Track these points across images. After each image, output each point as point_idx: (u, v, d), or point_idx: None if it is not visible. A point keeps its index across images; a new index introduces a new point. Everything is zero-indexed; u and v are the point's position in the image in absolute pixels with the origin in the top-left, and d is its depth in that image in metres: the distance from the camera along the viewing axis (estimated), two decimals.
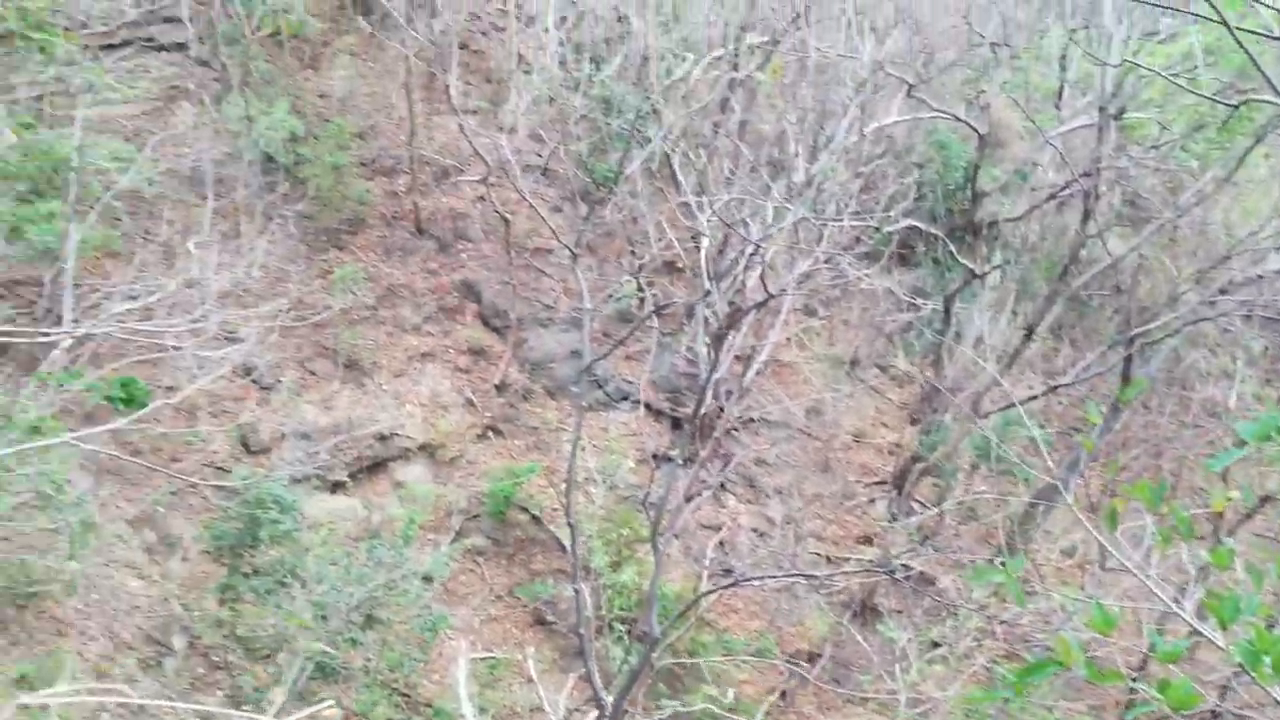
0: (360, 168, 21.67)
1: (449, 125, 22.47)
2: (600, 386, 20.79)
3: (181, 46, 20.74)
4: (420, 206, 21.70)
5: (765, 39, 20.39)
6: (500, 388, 20.47)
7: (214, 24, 20.02)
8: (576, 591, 15.34)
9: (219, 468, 16.53)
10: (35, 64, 14.48)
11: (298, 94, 21.23)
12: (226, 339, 15.40)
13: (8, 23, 12.89)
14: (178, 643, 14.72)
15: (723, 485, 20.34)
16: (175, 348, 9.44)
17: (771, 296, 15.42)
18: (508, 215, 20.98)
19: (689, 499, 17.88)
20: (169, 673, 14.18)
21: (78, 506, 12.10)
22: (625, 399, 21.10)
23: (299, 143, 20.35)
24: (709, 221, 15.74)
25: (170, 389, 15.63)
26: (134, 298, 12.93)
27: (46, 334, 11.39)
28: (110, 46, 18.70)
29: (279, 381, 18.25)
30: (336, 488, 17.89)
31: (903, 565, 17.64)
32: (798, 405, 21.90)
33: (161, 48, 20.44)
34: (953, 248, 20.68)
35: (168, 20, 20.82)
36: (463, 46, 23.62)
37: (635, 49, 22.30)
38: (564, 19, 23.43)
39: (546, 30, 22.98)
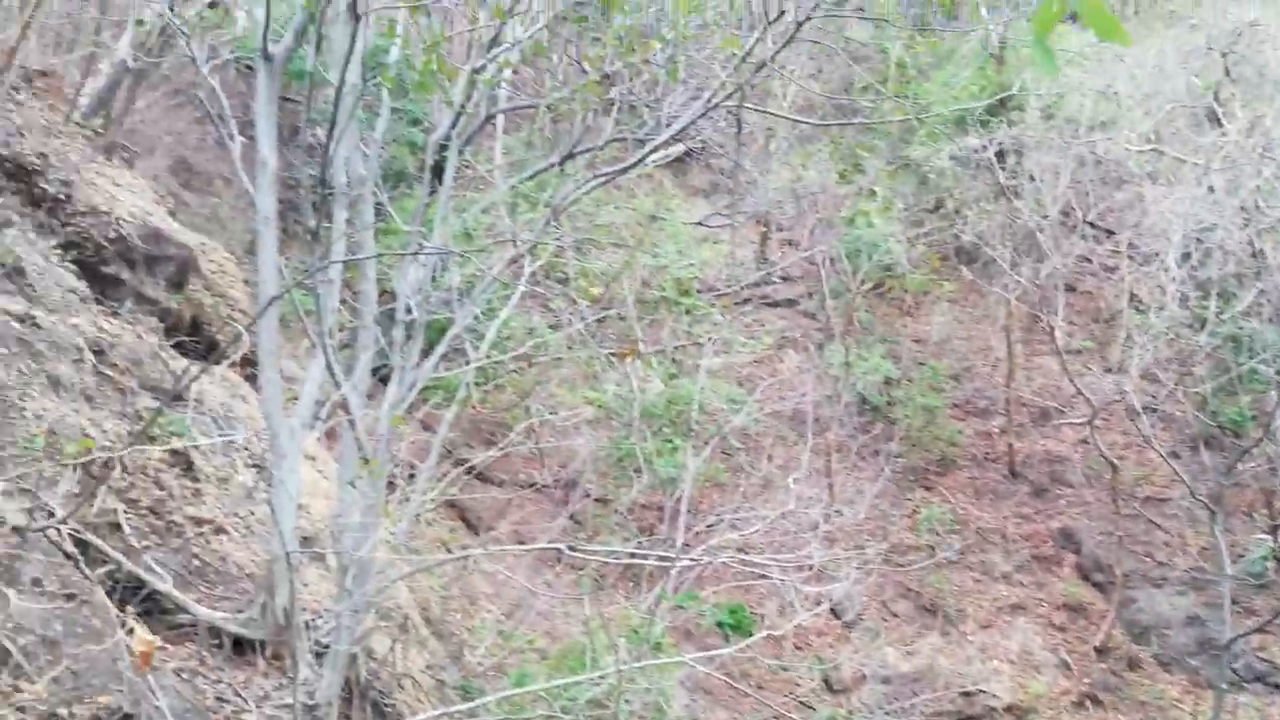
0: (953, 409, 22.58)
1: (1049, 366, 22.60)
2: (1229, 663, 18.48)
3: (792, 302, 23.96)
4: (1015, 449, 21.84)
5: None
6: (1101, 651, 19.22)
7: (823, 281, 22.83)
8: None
9: (801, 701, 17.54)
10: (679, 323, 17.86)
11: (894, 340, 23.07)
12: (820, 574, 16.72)
13: (665, 292, 16.27)
14: None
15: None
16: (780, 580, 10.67)
17: None
18: (1114, 460, 20.22)
19: None
20: None
21: None
22: (1259, 680, 18.52)
23: (893, 385, 21.93)
24: None
25: (760, 615, 17.26)
26: (737, 528, 14.79)
27: (666, 558, 13.48)
28: (733, 304, 22.24)
29: (860, 619, 19.09)
30: None
31: None
32: None
33: (775, 304, 23.84)
34: None
35: (783, 280, 24.27)
36: (1069, 288, 23.93)
37: (1273, 284, 20.88)
38: (1187, 255, 22.77)
39: (1167, 269, 22.47)
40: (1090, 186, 23.36)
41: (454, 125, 9.22)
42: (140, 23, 11.09)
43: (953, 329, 23.86)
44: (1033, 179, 22.39)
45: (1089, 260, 25.04)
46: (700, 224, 15.85)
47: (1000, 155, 22.17)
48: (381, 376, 10.49)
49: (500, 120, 17.30)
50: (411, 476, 12.83)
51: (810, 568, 10.86)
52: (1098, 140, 21.87)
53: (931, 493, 21.70)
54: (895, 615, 19.58)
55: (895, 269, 22.20)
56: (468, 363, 11.21)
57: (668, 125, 9.11)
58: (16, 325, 7.66)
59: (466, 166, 12.61)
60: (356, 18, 6.79)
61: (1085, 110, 21.06)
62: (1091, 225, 24.12)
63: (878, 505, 20.82)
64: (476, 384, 13.52)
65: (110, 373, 8.60)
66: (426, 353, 9.33)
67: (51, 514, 6.79)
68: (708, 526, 16.94)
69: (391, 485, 11.19)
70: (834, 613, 18.94)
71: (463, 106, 9.49)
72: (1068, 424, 22.14)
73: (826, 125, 9.83)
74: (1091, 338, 23.84)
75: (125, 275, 9.74)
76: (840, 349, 21.59)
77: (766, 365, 22.65)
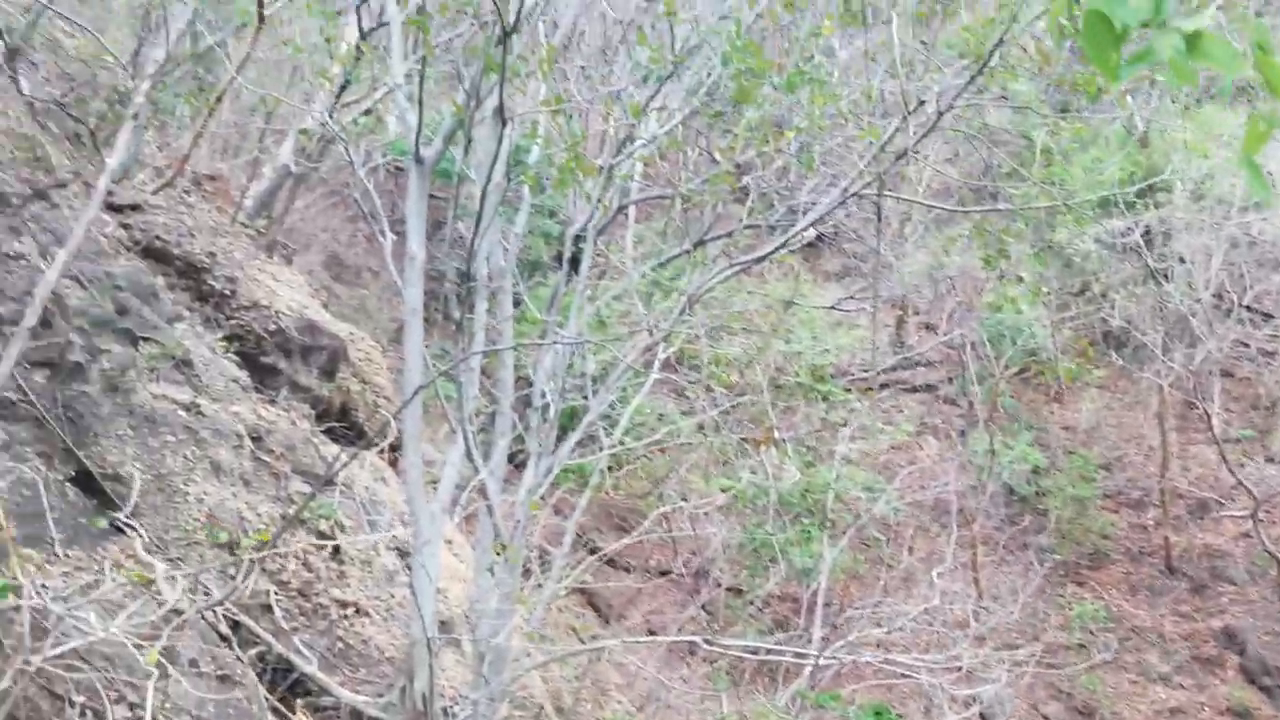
0: (1104, 500, 21.69)
1: (1206, 455, 21.54)
2: None
3: (931, 388, 23.47)
4: (1171, 542, 20.80)
5: None
6: None
7: (964, 366, 22.34)
8: None
9: None
10: (814, 408, 17.69)
11: (1041, 427, 22.33)
12: (969, 675, 16.02)
13: (800, 378, 16.19)
14: None
15: None
16: (928, 681, 10.25)
17: None
18: None
19: None
20: None
21: None
22: None
23: (1040, 475, 21.15)
24: None
25: (902, 717, 16.57)
26: (879, 624, 14.35)
27: (802, 654, 13.17)
28: (869, 390, 21.90)
29: None
30: None
31: None
32: None
33: (914, 389, 23.39)
34: None
35: (920, 365, 23.85)
36: (1225, 374, 22.89)
37: None
38: None
39: None
40: (1245, 269, 22.40)
41: (590, 218, 9.50)
42: (304, 132, 11.86)
43: (1103, 416, 22.99)
44: (1183, 261, 21.61)
45: (1246, 345, 23.90)
46: (834, 308, 15.77)
47: (1148, 237, 21.51)
48: (517, 463, 10.69)
49: (632, 209, 17.72)
50: (543, 561, 12.93)
51: (959, 668, 10.39)
52: (1251, 221, 21.03)
53: (1084, 588, 20.73)
54: (1046, 718, 18.58)
55: (1040, 354, 21.60)
56: (601, 449, 11.33)
57: (804, 213, 9.17)
58: (183, 414, 8.13)
59: (599, 255, 12.92)
60: (503, 122, 7.10)
61: (1237, 191, 20.29)
62: (1248, 309, 23.08)
63: (1028, 602, 19.99)
64: (608, 469, 13.62)
65: (266, 458, 9.00)
66: (560, 438, 9.49)
67: (209, 595, 7.09)
68: (846, 620, 16.48)
69: (525, 572, 11.29)
70: (982, 716, 18.08)
71: (599, 200, 9.76)
72: (1228, 516, 20.96)
73: (968, 212, 9.72)
74: (1251, 425, 22.61)
75: (282, 365, 10.25)
76: (984, 436, 20.98)
77: (905, 452, 22.16)
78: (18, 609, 5.25)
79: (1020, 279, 18.68)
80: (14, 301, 6.65)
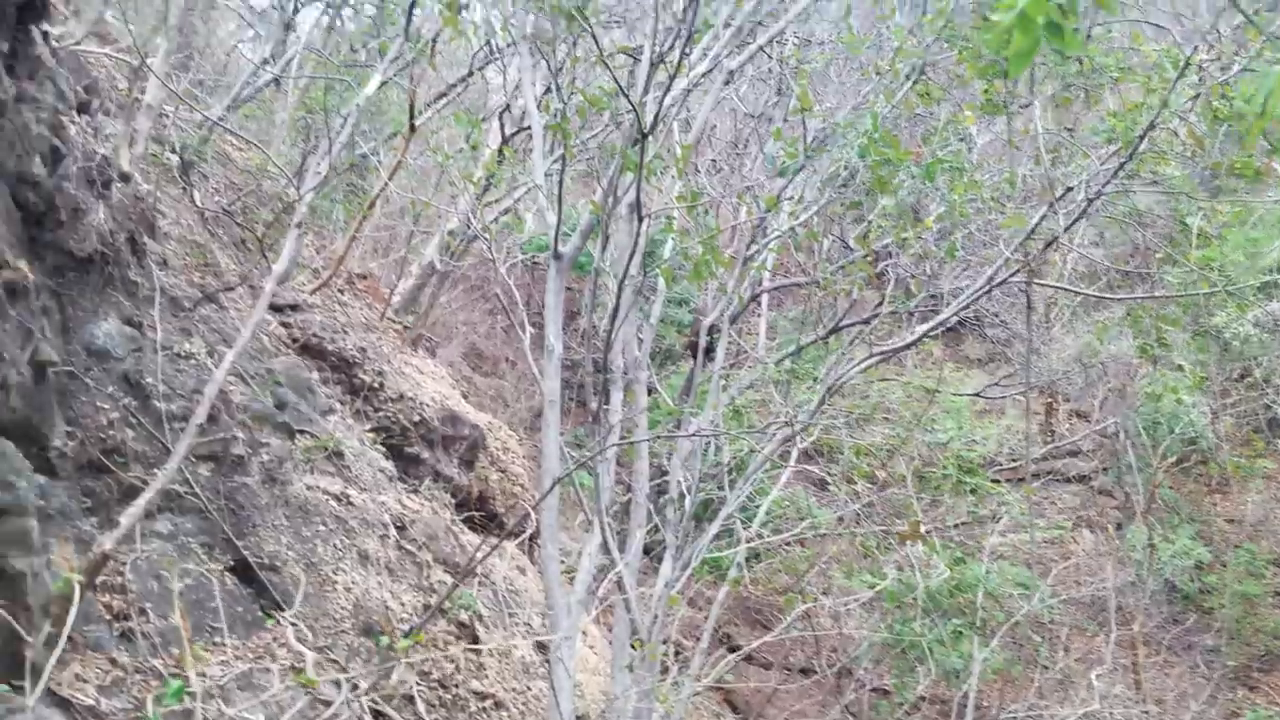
0: (1275, 598, 20.26)
1: None
2: None
3: (1084, 478, 22.49)
4: None
5: None
6: None
7: (1118, 456, 21.36)
8: None
9: None
10: (960, 502, 17.14)
11: (1203, 520, 21.10)
12: None
13: (946, 469, 15.74)
14: None
15: None
16: None
17: None
18: None
19: None
20: None
21: None
22: None
23: (1204, 571, 19.94)
24: None
25: None
26: None
27: None
28: (1018, 481, 21.11)
29: None
30: None
31: None
32: None
33: (1066, 479, 22.46)
34: None
35: (1073, 455, 22.92)
36: None
37: None
38: None
39: None
40: None
41: (725, 308, 9.57)
42: (451, 233, 12.39)
43: (1270, 508, 21.57)
44: None
45: None
46: (979, 395, 15.36)
47: None
48: (653, 555, 10.65)
49: (765, 296, 17.81)
50: (679, 657, 12.75)
51: None
52: None
53: (1255, 693, 19.25)
54: None
55: (1200, 443, 20.47)
56: (738, 541, 11.18)
57: (947, 300, 9.03)
58: (334, 504, 8.42)
59: (732, 343, 13.00)
60: (639, 218, 7.27)
61: None
62: None
63: (1202, 711, 18.66)
64: (746, 561, 13.43)
65: (410, 547, 9.22)
66: (695, 529, 9.42)
67: (355, 685, 7.23)
68: None
69: (663, 668, 11.14)
70: None
71: (734, 290, 9.84)
72: None
73: (1120, 299, 9.41)
74: None
75: (425, 455, 10.54)
76: (1143, 529, 19.91)
77: (1058, 546, 21.21)
78: (190, 711, 5.46)
79: (1180, 367, 17.87)
80: (183, 399, 7.06)
